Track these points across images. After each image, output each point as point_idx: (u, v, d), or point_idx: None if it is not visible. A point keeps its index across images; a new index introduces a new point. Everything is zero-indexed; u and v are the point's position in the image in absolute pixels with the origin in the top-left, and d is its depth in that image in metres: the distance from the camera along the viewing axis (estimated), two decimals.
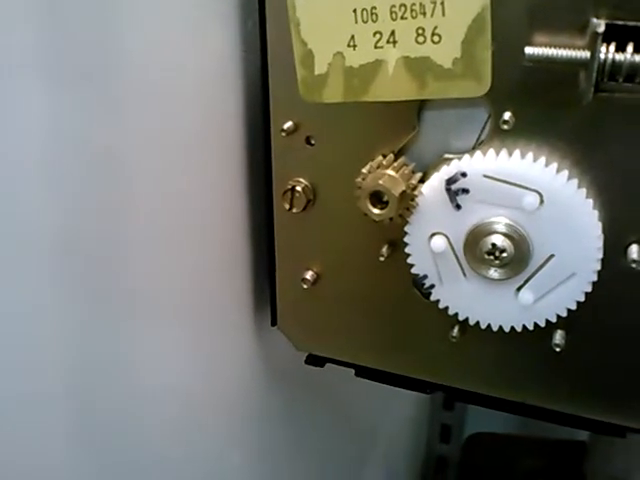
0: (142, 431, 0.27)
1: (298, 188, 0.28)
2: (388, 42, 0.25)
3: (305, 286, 0.30)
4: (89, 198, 0.22)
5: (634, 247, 0.24)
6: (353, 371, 0.32)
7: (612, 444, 0.50)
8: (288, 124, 0.27)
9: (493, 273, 0.25)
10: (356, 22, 0.24)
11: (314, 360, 0.32)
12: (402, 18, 0.24)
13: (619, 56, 0.21)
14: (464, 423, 0.76)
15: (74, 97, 0.20)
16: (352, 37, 0.25)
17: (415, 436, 0.74)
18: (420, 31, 0.24)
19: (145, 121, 0.24)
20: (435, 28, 0.24)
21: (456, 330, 0.28)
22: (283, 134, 0.28)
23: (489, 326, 0.26)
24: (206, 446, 0.31)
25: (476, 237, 0.25)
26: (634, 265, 0.24)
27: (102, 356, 0.24)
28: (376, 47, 0.25)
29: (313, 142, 0.28)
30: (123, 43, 0.22)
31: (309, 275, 0.30)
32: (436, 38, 0.24)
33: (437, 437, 0.77)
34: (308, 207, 0.29)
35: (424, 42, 0.24)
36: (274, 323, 0.32)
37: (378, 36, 0.25)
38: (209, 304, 0.30)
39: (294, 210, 0.29)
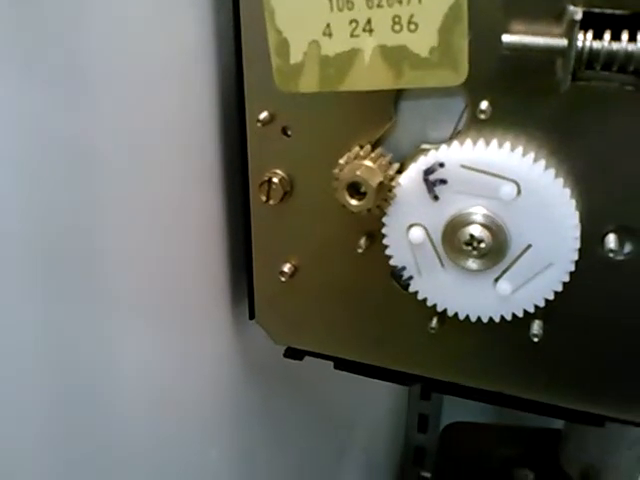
0: (117, 428, 0.26)
1: (275, 180, 0.28)
2: (364, 30, 0.24)
3: (283, 279, 0.30)
4: (62, 195, 0.21)
5: (611, 236, 0.24)
6: (332, 364, 0.32)
7: (587, 432, 0.50)
8: (264, 114, 0.27)
9: (471, 264, 0.25)
10: (331, 10, 0.24)
11: (293, 353, 0.32)
12: (378, 6, 0.24)
13: (596, 44, 0.21)
14: (441, 412, 0.77)
15: (44, 93, 0.20)
16: (328, 25, 0.24)
17: (393, 426, 0.75)
18: (396, 19, 0.24)
19: (116, 115, 0.23)
20: (411, 16, 0.23)
21: (435, 321, 0.27)
22: (259, 125, 0.27)
23: (467, 317, 0.26)
24: (183, 443, 0.31)
25: (454, 228, 0.25)
26: (611, 255, 0.24)
27: (75, 353, 0.23)
28: (352, 36, 0.24)
29: (289, 133, 0.27)
30: (91, 35, 0.21)
31: (287, 268, 0.30)
32: (412, 26, 0.24)
33: (415, 427, 0.78)
34: (285, 199, 0.28)
35: (400, 30, 0.24)
36: (252, 317, 0.32)
37: (354, 24, 0.24)
38: (185, 299, 0.29)
39: (271, 202, 0.28)
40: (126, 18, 0.23)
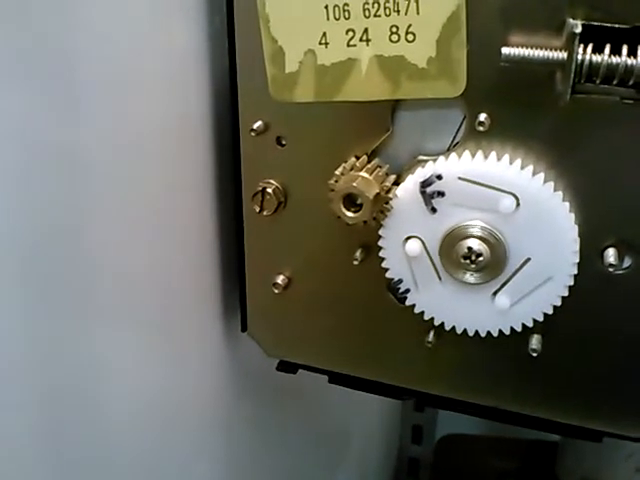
0: (105, 441, 0.25)
1: (269, 190, 0.28)
2: (361, 40, 0.24)
3: (276, 291, 0.29)
4: (49, 198, 0.21)
5: (610, 251, 0.24)
6: (325, 376, 0.31)
7: (584, 444, 0.50)
8: (258, 124, 0.27)
9: (469, 277, 0.24)
10: (328, 19, 0.24)
11: (286, 367, 0.31)
12: (375, 15, 0.23)
13: (596, 57, 0.21)
14: (435, 424, 0.76)
15: (32, 95, 0.19)
16: (324, 34, 0.24)
17: (387, 438, 0.74)
18: (394, 29, 0.23)
19: (108, 121, 0.23)
20: (409, 26, 0.23)
21: (432, 335, 0.27)
22: (253, 134, 0.27)
23: (465, 331, 0.26)
24: (174, 455, 0.30)
25: (452, 241, 0.24)
26: (610, 269, 0.24)
27: (64, 364, 0.23)
28: (349, 45, 0.24)
29: (284, 142, 0.27)
30: (82, 39, 0.21)
31: (280, 280, 0.29)
32: (410, 37, 0.23)
33: (409, 438, 0.77)
34: (279, 210, 0.28)
35: (398, 41, 0.23)
36: (244, 329, 0.31)
37: (351, 34, 0.24)
38: (176, 310, 0.29)
39: (264, 213, 0.28)
40: (118, 28, 0.22)
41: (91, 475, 0.25)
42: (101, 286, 0.24)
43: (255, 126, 0.27)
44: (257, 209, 0.28)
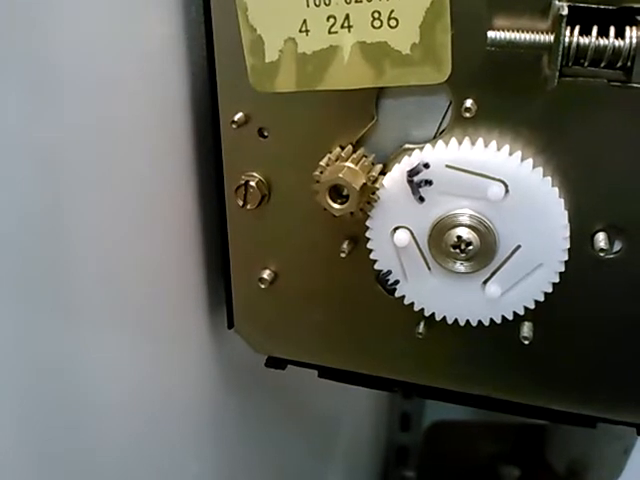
0: (92, 438, 0.25)
1: (252, 183, 0.27)
2: (342, 27, 0.23)
3: (262, 286, 0.29)
4: (28, 197, 0.20)
5: (600, 235, 0.24)
6: (314, 370, 0.31)
7: (572, 428, 0.50)
8: (238, 115, 0.26)
9: (459, 267, 0.24)
10: (308, 5, 0.23)
11: (274, 362, 0.31)
12: (357, 1, 0.23)
13: (583, 39, 0.21)
14: (424, 411, 0.76)
15: (7, 94, 0.18)
16: (304, 22, 0.23)
17: (375, 426, 0.74)
18: (376, 15, 0.23)
19: (85, 115, 0.22)
20: (392, 12, 0.23)
21: (422, 326, 0.27)
22: (234, 126, 0.26)
23: (456, 321, 0.25)
24: (160, 454, 0.30)
25: (441, 230, 0.24)
26: (601, 254, 0.23)
27: (47, 363, 0.22)
28: (330, 32, 0.23)
29: (266, 134, 0.26)
30: (56, 32, 0.20)
31: (266, 274, 0.29)
32: (393, 22, 0.23)
33: (397, 426, 0.77)
34: (263, 203, 0.27)
35: (380, 26, 0.23)
36: (231, 326, 0.31)
37: (332, 20, 0.23)
38: (160, 308, 0.28)
39: (248, 206, 0.27)
40: (93, 19, 0.22)
41: (77, 472, 0.24)
42: (83, 284, 0.23)
43: (236, 118, 0.26)
44: (240, 203, 0.27)
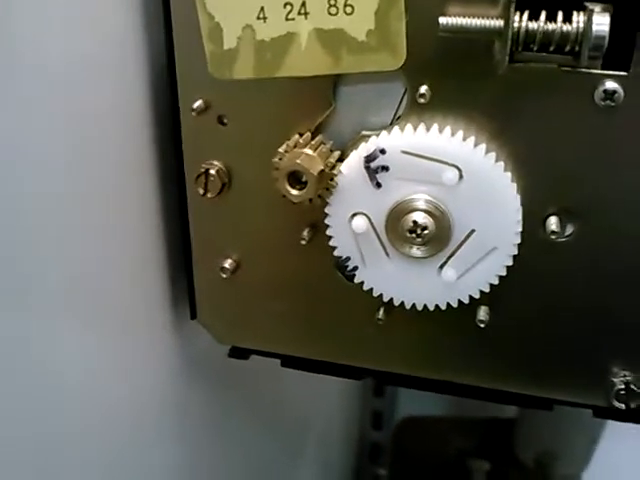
0: (53, 433, 0.25)
1: (212, 171, 0.27)
2: (299, 14, 0.23)
3: (224, 275, 0.29)
4: None
5: (552, 219, 0.24)
6: (279, 362, 0.31)
7: (540, 419, 0.51)
8: (198, 103, 0.26)
9: (415, 251, 0.24)
10: None
11: (238, 353, 0.31)
12: None
13: (532, 24, 0.21)
14: (395, 409, 0.77)
15: None
16: (262, 9, 0.23)
17: (347, 424, 0.74)
18: (332, 2, 0.23)
19: (37, 107, 0.22)
20: None
21: (382, 312, 0.27)
22: (193, 114, 0.26)
23: (414, 306, 0.26)
24: (123, 447, 0.30)
25: (397, 215, 0.24)
26: (553, 237, 0.24)
27: (8, 361, 0.22)
28: (287, 19, 0.23)
29: (226, 121, 0.26)
30: (12, 26, 0.20)
31: (228, 264, 0.29)
32: (349, 9, 0.23)
33: (369, 424, 0.77)
34: (223, 191, 0.27)
35: (337, 13, 0.23)
36: (193, 316, 0.31)
37: (289, 7, 0.23)
38: (121, 299, 0.28)
39: (209, 195, 0.27)
40: (48, 3, 0.22)
41: (42, 463, 0.24)
42: (42, 275, 0.23)
43: (195, 105, 0.26)
44: (201, 191, 0.27)
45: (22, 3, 0.20)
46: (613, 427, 0.49)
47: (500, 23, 0.21)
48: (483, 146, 0.23)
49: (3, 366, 0.22)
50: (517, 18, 0.21)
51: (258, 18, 0.24)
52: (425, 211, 0.24)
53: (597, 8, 0.21)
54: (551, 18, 0.21)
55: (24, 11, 0.21)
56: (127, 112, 0.26)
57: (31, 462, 0.24)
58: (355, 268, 0.26)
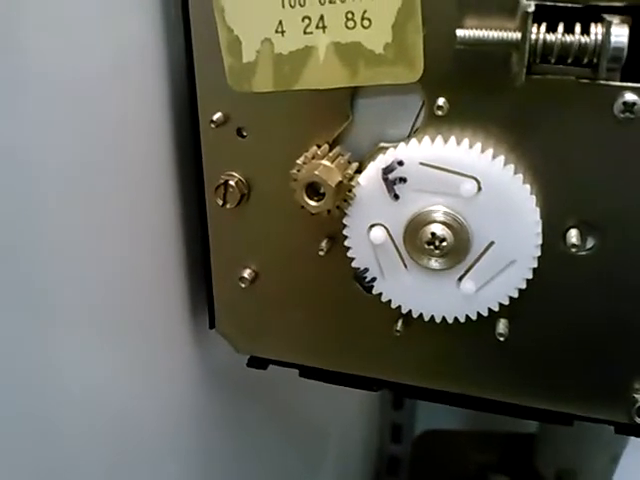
0: (74, 441, 0.25)
1: (231, 182, 0.27)
2: (317, 27, 0.24)
3: (243, 285, 0.29)
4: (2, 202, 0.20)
5: (573, 231, 0.24)
6: (297, 372, 0.31)
7: (561, 435, 0.50)
8: (217, 115, 0.26)
9: (434, 263, 0.24)
10: (283, 6, 0.23)
11: (256, 362, 0.31)
12: (330, 2, 0.23)
13: (550, 36, 0.21)
14: (414, 422, 0.76)
15: None
16: (280, 22, 0.24)
17: (366, 437, 0.74)
18: (350, 15, 0.23)
19: (61, 117, 0.22)
20: (364, 12, 0.23)
21: (400, 324, 0.27)
22: (213, 126, 0.26)
23: (432, 318, 0.26)
24: (141, 457, 0.30)
25: (415, 227, 0.24)
26: (573, 250, 0.24)
27: (24, 365, 0.22)
28: (305, 33, 0.24)
29: (245, 134, 0.27)
30: (32, 34, 0.20)
31: (247, 274, 0.29)
32: (366, 22, 0.23)
33: (388, 437, 0.77)
34: (242, 202, 0.28)
35: (354, 27, 0.23)
36: (212, 326, 0.31)
37: (307, 21, 0.24)
38: (141, 309, 0.28)
39: (228, 206, 0.28)
40: (70, 17, 0.22)
41: (62, 473, 0.24)
42: (62, 288, 0.23)
43: (215, 117, 0.26)
44: (220, 202, 0.28)
45: (44, 24, 0.21)
46: (635, 443, 0.48)
47: (517, 35, 0.21)
48: (502, 158, 0.23)
49: (26, 382, 0.22)
50: (535, 30, 0.21)
51: (277, 32, 0.24)
52: (443, 223, 0.24)
53: (615, 20, 0.21)
54: (569, 30, 0.21)
55: (47, 28, 0.21)
56: (148, 124, 0.27)
57: (33, 471, 0.24)
58: (373, 279, 0.26)
